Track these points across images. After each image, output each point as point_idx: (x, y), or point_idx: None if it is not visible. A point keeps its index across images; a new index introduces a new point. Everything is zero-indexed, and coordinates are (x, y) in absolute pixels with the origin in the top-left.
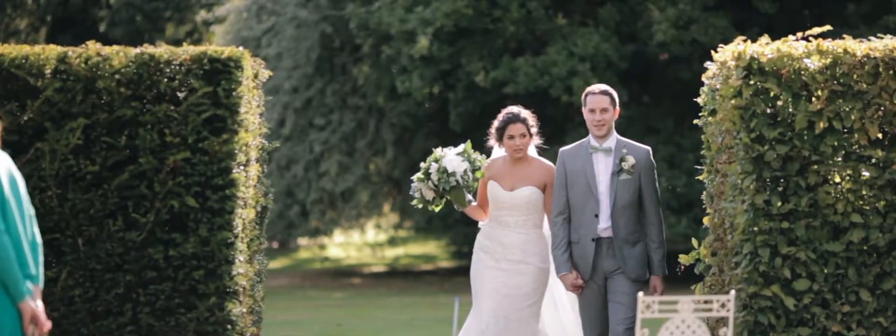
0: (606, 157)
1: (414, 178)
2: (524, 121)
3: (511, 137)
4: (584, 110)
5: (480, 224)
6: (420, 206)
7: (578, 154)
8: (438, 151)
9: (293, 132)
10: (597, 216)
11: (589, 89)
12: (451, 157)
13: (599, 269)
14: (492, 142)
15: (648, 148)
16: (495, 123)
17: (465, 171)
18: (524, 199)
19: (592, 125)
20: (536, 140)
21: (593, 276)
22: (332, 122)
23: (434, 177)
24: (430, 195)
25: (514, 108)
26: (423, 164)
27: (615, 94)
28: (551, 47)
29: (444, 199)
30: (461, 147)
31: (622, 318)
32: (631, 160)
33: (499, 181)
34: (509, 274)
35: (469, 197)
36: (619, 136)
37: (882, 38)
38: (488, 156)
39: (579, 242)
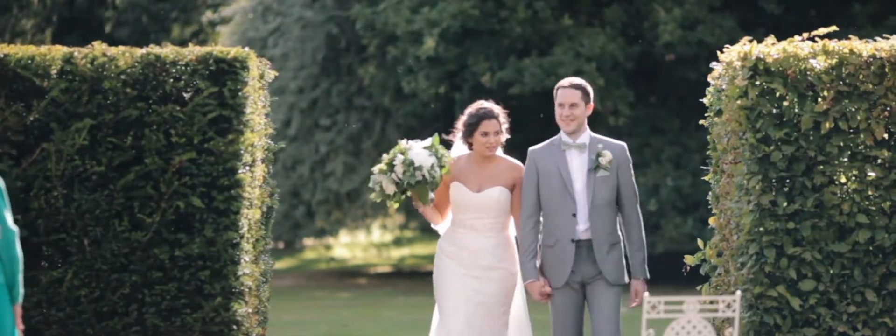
0: (580, 153)
1: (374, 169)
2: (498, 117)
3: (485, 134)
4: (556, 105)
5: (436, 227)
6: (379, 200)
7: (550, 152)
8: (404, 143)
9: (299, 132)
10: (574, 216)
11: (560, 83)
12: (418, 151)
13: (578, 273)
14: (455, 138)
15: (623, 144)
16: (464, 118)
17: (431, 166)
18: (493, 201)
19: (560, 120)
20: (505, 136)
21: (570, 280)
22: (338, 123)
23: (398, 169)
24: (391, 189)
25: (487, 104)
26: (385, 156)
27: (589, 89)
28: (557, 48)
29: (405, 195)
30: (428, 140)
31: (608, 332)
32: (608, 155)
33: (464, 182)
34: (481, 281)
35: (431, 195)
36: (592, 133)
37: (888, 38)
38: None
39: (556, 246)
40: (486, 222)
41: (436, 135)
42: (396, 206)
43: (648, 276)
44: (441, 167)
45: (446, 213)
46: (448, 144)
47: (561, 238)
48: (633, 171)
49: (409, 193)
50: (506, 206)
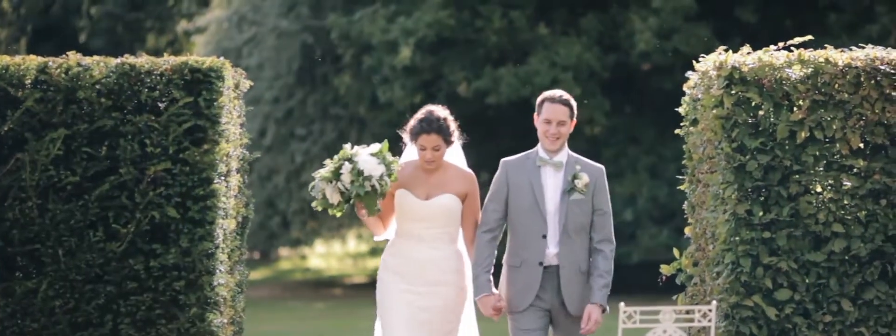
0: (556, 172)
1: (316, 176)
2: (440, 130)
3: (422, 148)
4: (537, 118)
5: (378, 238)
6: (320, 208)
7: (524, 166)
8: (348, 149)
9: (274, 142)
10: (544, 238)
11: (546, 95)
12: (366, 158)
13: (545, 299)
14: (405, 138)
15: (602, 167)
16: (411, 122)
17: (381, 176)
18: (443, 209)
19: (546, 137)
20: (457, 145)
21: (535, 304)
22: (314, 133)
23: (346, 178)
24: (335, 199)
25: (433, 113)
26: (328, 162)
27: (574, 104)
28: (533, 57)
29: (350, 204)
30: (376, 147)
31: None
32: (585, 178)
33: (411, 189)
34: (426, 297)
35: (378, 205)
36: (570, 152)
37: (863, 47)
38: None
39: (522, 267)
40: (434, 232)
41: (385, 141)
42: (339, 214)
43: (606, 306)
44: (390, 175)
45: (389, 222)
46: (399, 145)
47: (528, 259)
48: (609, 196)
49: (353, 202)
50: (456, 215)
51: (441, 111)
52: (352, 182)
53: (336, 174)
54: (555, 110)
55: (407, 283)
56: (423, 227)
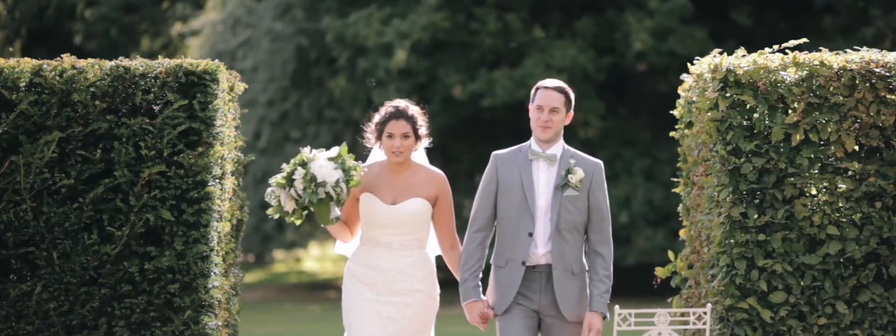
0: (549, 166)
1: (272, 181)
2: (410, 118)
3: (390, 136)
4: (531, 107)
5: (342, 246)
6: (276, 216)
7: (515, 160)
8: (306, 153)
9: (269, 145)
10: (531, 235)
11: (542, 83)
12: (322, 163)
13: (532, 300)
14: (370, 141)
15: (599, 162)
16: (376, 117)
17: (336, 182)
18: (411, 214)
19: (537, 125)
20: (425, 143)
21: (519, 304)
22: (309, 135)
23: (299, 185)
24: (290, 206)
25: (401, 102)
26: (285, 166)
27: (572, 95)
28: (528, 59)
29: (307, 211)
30: (335, 150)
31: None
32: (579, 173)
33: (377, 193)
34: (395, 307)
35: (336, 212)
36: (566, 145)
37: (858, 50)
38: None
39: (506, 267)
40: (401, 239)
41: (344, 144)
42: (299, 222)
43: (607, 313)
44: (348, 181)
45: (356, 228)
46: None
47: (513, 259)
48: (606, 193)
49: (311, 210)
50: (425, 219)
51: (411, 103)
52: (304, 189)
53: (289, 180)
54: (548, 96)
55: (375, 293)
56: (389, 234)
